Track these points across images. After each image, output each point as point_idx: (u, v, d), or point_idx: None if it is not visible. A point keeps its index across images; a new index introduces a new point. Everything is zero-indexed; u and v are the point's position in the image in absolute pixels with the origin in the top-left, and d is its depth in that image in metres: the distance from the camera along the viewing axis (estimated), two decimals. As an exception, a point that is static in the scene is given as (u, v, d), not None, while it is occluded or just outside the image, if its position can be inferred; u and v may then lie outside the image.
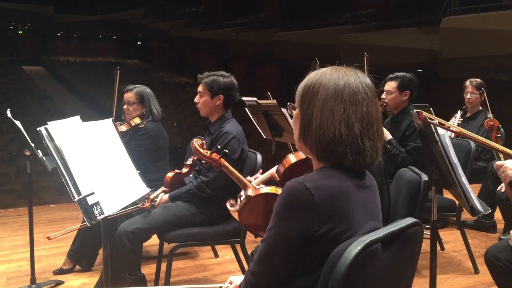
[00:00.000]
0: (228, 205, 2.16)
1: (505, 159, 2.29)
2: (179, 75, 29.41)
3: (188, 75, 28.77)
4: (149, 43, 35.69)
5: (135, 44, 36.62)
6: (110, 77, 25.79)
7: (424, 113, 1.84)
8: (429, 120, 1.90)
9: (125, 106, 3.50)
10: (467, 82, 4.58)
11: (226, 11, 24.60)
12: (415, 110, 1.92)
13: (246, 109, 4.05)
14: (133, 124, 3.41)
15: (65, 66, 30.32)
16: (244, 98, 3.87)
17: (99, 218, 1.83)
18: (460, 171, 2.01)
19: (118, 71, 3.50)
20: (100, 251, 3.48)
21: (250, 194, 1.97)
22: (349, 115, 1.27)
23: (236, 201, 2.14)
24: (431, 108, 4.67)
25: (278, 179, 2.01)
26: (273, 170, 2.13)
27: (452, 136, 3.93)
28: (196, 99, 2.96)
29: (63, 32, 34.08)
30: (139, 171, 2.37)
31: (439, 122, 1.89)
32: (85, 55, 33.80)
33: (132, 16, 32.13)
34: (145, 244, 3.12)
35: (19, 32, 33.03)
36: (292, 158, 1.95)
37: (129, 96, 3.50)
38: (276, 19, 20.54)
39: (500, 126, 2.23)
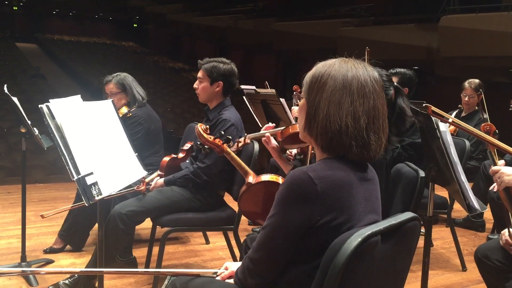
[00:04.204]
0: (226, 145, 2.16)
1: (501, 156, 2.31)
2: (174, 60, 29.21)
3: (184, 60, 28.59)
4: (146, 26, 35.37)
5: (131, 27, 36.25)
6: (105, 58, 25.58)
7: (433, 108, 1.84)
8: (439, 116, 1.90)
9: (109, 98, 3.46)
10: (466, 84, 4.58)
11: (224, -2, 24.43)
12: (424, 105, 1.92)
13: (244, 97, 4.04)
14: (120, 115, 3.37)
15: (59, 44, 29.96)
16: (242, 86, 3.86)
17: (97, 198, 1.83)
18: (459, 168, 2.02)
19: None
20: (91, 232, 3.49)
21: (251, 181, 1.97)
22: (356, 107, 1.27)
23: (235, 142, 2.15)
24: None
25: (280, 139, 2.02)
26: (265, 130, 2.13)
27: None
28: (195, 85, 2.94)
29: (59, 10, 33.63)
30: (136, 154, 2.36)
31: (444, 117, 1.90)
32: (80, 35, 33.41)
33: (130, -3, 31.80)
34: (136, 227, 3.11)
35: (14, 8, 32.54)
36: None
37: (110, 87, 3.43)
38: (275, 9, 20.44)
39: (497, 131, 2.24)
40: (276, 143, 2.09)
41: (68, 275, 2.81)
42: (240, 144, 2.17)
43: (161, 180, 2.89)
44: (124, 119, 3.35)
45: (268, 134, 2.06)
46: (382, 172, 1.94)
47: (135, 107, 3.43)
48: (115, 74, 3.48)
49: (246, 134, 2.16)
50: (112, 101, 2.33)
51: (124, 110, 3.40)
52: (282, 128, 2.03)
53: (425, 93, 11.25)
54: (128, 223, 2.67)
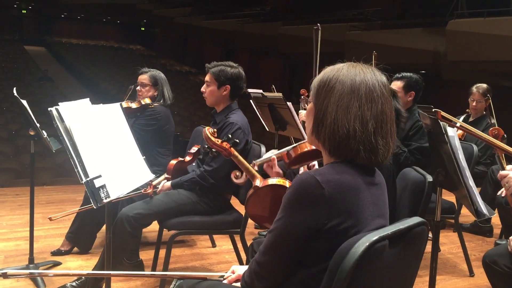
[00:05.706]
0: (233, 177, 2.16)
1: (509, 161, 2.30)
2: (181, 64, 29.33)
3: (191, 64, 28.69)
4: (153, 29, 35.54)
5: (138, 30, 36.45)
6: (112, 61, 25.66)
7: (443, 113, 1.84)
8: (448, 121, 1.89)
9: (138, 88, 3.56)
10: (474, 89, 4.56)
11: (231, 1, 24.49)
12: (433, 110, 1.92)
13: (251, 100, 4.05)
14: (143, 103, 3.45)
15: (67, 48, 30.17)
16: (249, 90, 3.87)
17: (105, 201, 1.84)
18: (467, 173, 2.02)
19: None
20: (98, 234, 3.50)
21: (258, 185, 1.97)
22: (364, 112, 1.27)
23: (241, 173, 2.15)
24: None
25: (287, 160, 2.01)
26: (270, 153, 2.11)
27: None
28: (202, 89, 2.95)
29: (67, 14, 33.88)
30: (144, 157, 2.38)
31: (453, 122, 1.89)
32: (88, 38, 33.64)
33: (137, 1, 31.93)
34: (143, 230, 3.12)
35: (22, 11, 32.82)
36: (307, 145, 1.95)
37: (143, 78, 3.58)
38: (281, 12, 20.48)
39: (505, 135, 2.23)
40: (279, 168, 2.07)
41: (75, 277, 2.82)
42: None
43: (168, 183, 2.90)
44: (142, 108, 3.43)
45: (274, 156, 2.04)
46: (386, 176, 1.93)
47: (159, 103, 3.51)
48: (152, 69, 3.66)
49: (253, 162, 2.14)
50: (120, 104, 2.34)
51: (147, 100, 3.50)
52: (288, 148, 2.01)
53: (432, 98, 11.20)
54: (135, 226, 2.68)
